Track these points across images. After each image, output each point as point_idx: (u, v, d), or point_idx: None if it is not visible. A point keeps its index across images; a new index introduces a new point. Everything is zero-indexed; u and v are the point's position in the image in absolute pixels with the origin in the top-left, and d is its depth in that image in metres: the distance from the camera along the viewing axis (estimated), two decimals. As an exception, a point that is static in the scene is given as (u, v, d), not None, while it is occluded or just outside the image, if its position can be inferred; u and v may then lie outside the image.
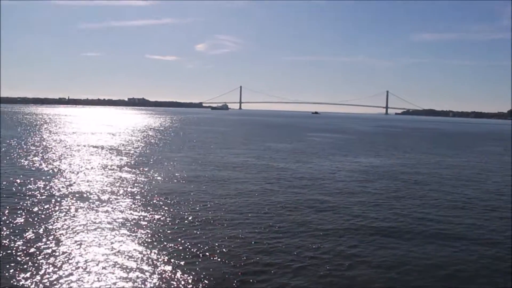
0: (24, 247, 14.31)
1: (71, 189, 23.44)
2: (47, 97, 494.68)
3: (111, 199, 21.29)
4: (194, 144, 53.73)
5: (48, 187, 23.64)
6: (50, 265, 12.91)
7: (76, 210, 19.05)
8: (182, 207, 20.20)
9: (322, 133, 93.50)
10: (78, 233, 15.90)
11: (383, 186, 27.48)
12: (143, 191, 23.51)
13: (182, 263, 13.53)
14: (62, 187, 23.90)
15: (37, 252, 13.91)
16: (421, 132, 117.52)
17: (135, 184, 25.24)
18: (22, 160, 33.88)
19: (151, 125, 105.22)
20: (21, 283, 11.79)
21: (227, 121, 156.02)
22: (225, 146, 51.42)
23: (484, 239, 17.05)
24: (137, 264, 13.30)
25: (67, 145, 47.09)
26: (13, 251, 13.95)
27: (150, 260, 13.68)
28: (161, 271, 12.91)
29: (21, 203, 19.96)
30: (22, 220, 17.27)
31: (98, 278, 12.20)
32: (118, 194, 22.58)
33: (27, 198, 21.04)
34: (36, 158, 35.34)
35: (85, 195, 21.98)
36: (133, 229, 16.63)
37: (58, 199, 20.94)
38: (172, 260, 13.69)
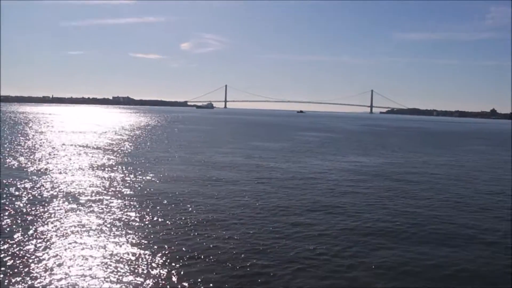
0: (11, 250, 13.82)
1: (58, 190, 22.87)
2: (30, 96, 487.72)
3: (99, 200, 20.82)
4: (182, 143, 53.23)
5: (34, 188, 23.03)
6: (37, 268, 12.48)
7: (64, 212, 18.54)
8: (172, 208, 19.84)
9: (309, 132, 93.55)
10: (64, 235, 15.44)
11: (375, 185, 27.42)
12: (132, 192, 23.08)
13: (172, 264, 13.21)
14: (49, 188, 23.33)
15: (24, 255, 13.44)
16: (406, 131, 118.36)
17: (124, 185, 24.78)
18: (7, 161, 33.10)
19: (137, 124, 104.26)
20: (9, 287, 11.39)
21: (212, 120, 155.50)
22: (212, 145, 51.04)
23: (478, 238, 17.05)
24: (126, 265, 12.94)
25: (53, 145, 46.23)
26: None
27: (139, 261, 13.33)
28: (151, 272, 12.58)
29: (6, 204, 19.39)
30: (9, 221, 16.74)
31: (84, 279, 11.84)
32: (107, 194, 22.11)
33: (13, 199, 20.44)
34: (21, 159, 34.55)
35: (72, 196, 21.44)
36: (121, 231, 16.22)
37: (45, 200, 20.38)
38: (162, 262, 13.37)
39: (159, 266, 13.17)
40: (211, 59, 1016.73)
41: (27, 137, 54.63)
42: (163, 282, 12.17)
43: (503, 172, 35.85)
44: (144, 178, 27.17)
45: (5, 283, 11.63)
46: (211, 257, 14.01)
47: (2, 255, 13.47)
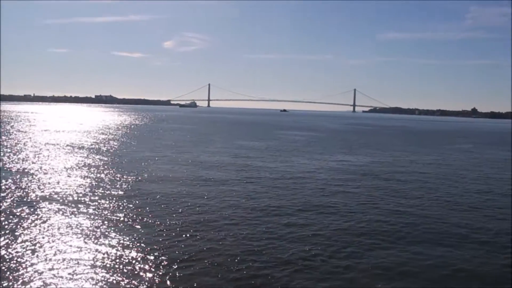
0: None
1: (44, 190, 22.21)
2: (11, 94, 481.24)
3: (85, 201, 20.26)
4: (167, 143, 52.61)
5: (18, 189, 22.31)
6: (23, 270, 11.99)
7: (50, 213, 17.95)
8: (162, 209, 19.41)
9: (293, 131, 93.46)
10: (50, 237, 14.90)
11: (365, 184, 27.34)
12: (119, 192, 22.57)
13: (163, 267, 12.83)
14: (34, 188, 22.63)
15: (11, 258, 12.94)
16: (390, 130, 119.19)
17: (111, 185, 24.23)
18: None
19: (120, 123, 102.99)
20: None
21: (196, 119, 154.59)
22: (198, 145, 50.59)
23: (472, 237, 17.01)
24: (114, 268, 12.53)
25: (36, 145, 45.29)
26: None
27: (128, 264, 12.92)
28: (141, 275, 12.20)
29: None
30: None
31: (69, 282, 11.43)
32: (93, 195, 21.56)
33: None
34: (4, 158, 33.64)
35: (58, 197, 20.83)
36: (109, 233, 15.74)
37: (30, 201, 19.73)
38: (152, 264, 12.98)
39: (149, 268, 12.77)
40: (194, 57, 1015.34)
41: (10, 137, 53.44)
42: (153, 285, 11.80)
43: (490, 171, 36.15)
44: (131, 178, 26.64)
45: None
46: (203, 259, 13.65)
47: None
